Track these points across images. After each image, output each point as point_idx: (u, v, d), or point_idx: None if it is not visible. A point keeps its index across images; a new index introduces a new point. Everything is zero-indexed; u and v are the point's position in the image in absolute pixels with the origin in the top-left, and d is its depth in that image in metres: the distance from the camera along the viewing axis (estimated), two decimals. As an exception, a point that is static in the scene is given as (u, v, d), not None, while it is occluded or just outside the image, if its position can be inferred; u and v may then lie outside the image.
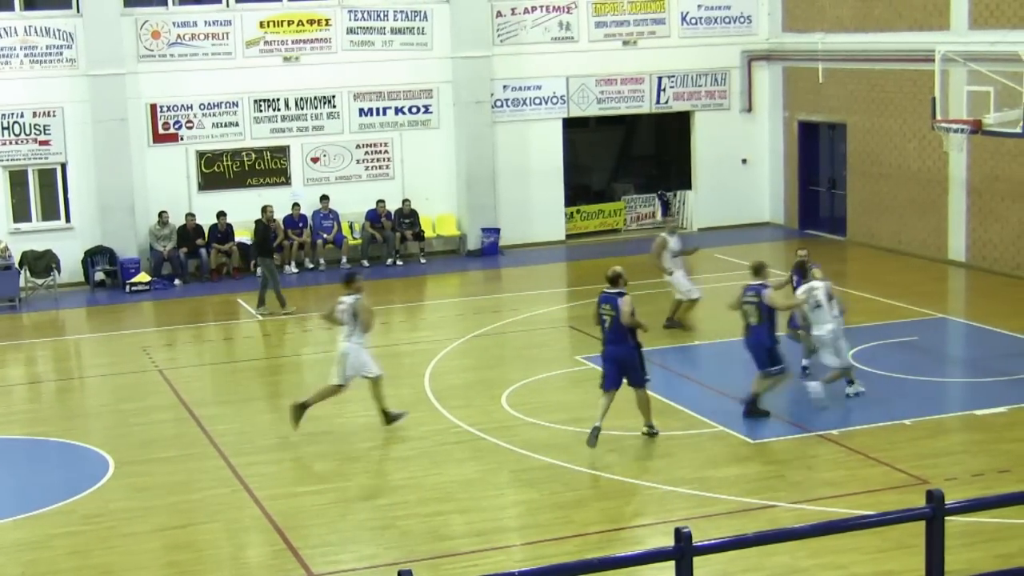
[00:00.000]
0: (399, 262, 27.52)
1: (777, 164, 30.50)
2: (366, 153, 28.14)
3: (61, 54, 26.15)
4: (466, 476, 14.70)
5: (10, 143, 25.96)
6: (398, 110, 28.19)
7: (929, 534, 8.59)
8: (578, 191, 31.23)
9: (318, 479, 14.81)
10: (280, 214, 25.82)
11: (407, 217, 27.93)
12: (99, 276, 26.19)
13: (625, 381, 15.37)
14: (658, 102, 30.00)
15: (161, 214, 26.62)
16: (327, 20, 27.64)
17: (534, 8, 28.92)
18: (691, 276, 21.12)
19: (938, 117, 22.53)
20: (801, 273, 17.22)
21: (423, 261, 27.89)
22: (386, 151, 28.23)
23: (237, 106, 27.24)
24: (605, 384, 15.35)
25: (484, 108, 28.31)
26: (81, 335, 23.42)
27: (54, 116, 26.12)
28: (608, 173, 33.34)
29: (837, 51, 28.10)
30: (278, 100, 27.48)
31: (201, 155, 27.16)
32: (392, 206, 27.88)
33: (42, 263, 25.87)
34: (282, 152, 27.68)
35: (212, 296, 25.41)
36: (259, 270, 24.52)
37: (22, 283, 25.47)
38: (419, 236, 28.02)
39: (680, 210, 30.65)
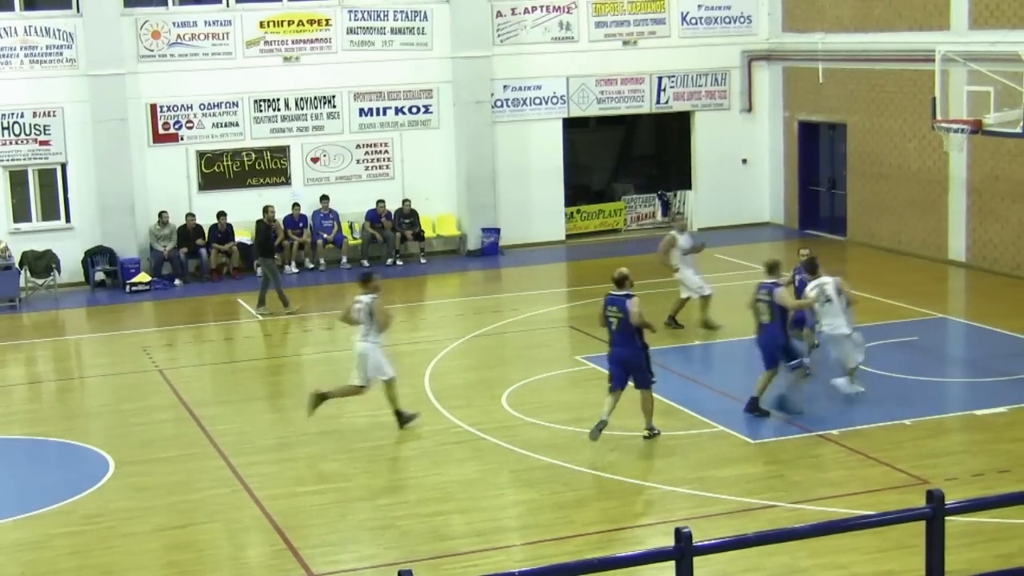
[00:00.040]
0: (399, 262, 27.52)
1: (777, 164, 30.50)
2: (366, 153, 28.14)
3: (61, 54, 26.15)
4: (466, 476, 14.70)
5: (10, 143, 25.96)
6: (398, 110, 28.19)
7: (929, 534, 8.59)
8: (578, 191, 31.23)
9: (318, 479, 14.81)
10: (280, 214, 25.80)
11: (407, 217, 27.93)
12: (99, 276, 26.19)
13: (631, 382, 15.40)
14: (658, 102, 30.00)
15: (161, 214, 26.63)
16: (327, 20, 27.64)
17: (534, 8, 28.92)
18: (701, 273, 21.07)
19: (938, 117, 22.53)
20: (812, 269, 17.20)
21: (423, 261, 27.89)
22: (386, 151, 28.23)
23: (237, 106, 27.24)
24: (613, 386, 15.38)
25: (484, 108, 28.31)
26: (81, 335, 23.42)
27: (54, 116, 26.12)
28: (608, 173, 33.34)
29: (837, 51, 28.11)
30: (278, 100, 27.49)
31: (201, 155, 27.16)
32: (392, 206, 27.88)
33: (42, 263, 25.87)
34: (282, 152, 27.69)
35: (212, 296, 25.41)
36: (260, 270, 24.54)
37: (22, 283, 25.47)
38: (419, 236, 28.02)
39: (680, 210, 30.63)
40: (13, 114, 25.90)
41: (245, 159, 27.42)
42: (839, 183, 29.05)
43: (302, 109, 27.64)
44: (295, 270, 27.09)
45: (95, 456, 15.86)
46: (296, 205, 27.23)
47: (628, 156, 33.91)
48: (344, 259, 27.53)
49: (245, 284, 25.81)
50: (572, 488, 14.19)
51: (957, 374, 18.60)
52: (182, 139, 26.99)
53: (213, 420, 17.13)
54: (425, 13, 28.12)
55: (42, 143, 26.15)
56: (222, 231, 26.74)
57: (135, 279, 25.84)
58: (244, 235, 26.93)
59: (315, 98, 27.70)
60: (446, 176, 28.63)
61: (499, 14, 28.66)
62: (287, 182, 27.68)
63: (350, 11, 27.72)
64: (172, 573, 12.64)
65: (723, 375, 19.29)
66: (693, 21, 29.95)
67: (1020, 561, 11.70)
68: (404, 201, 27.98)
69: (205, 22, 26.94)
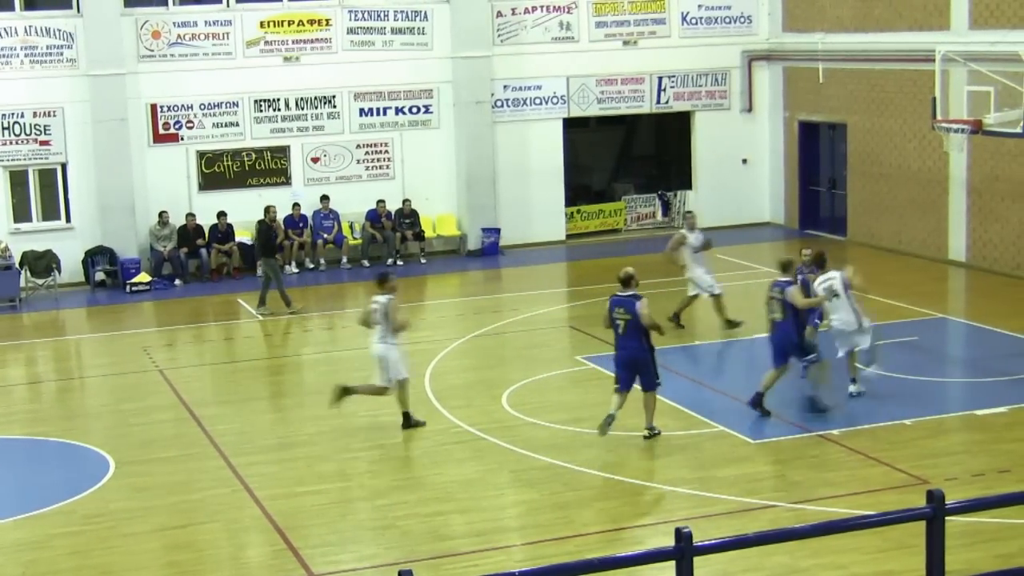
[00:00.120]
0: (399, 262, 27.51)
1: (777, 164, 30.50)
2: (366, 153, 28.14)
3: (61, 54, 26.15)
4: (466, 476, 14.70)
5: (10, 143, 25.96)
6: (398, 110, 28.19)
7: (929, 534, 8.59)
8: (578, 191, 31.22)
9: (318, 479, 14.81)
10: (280, 214, 25.79)
11: (407, 217, 27.93)
12: (99, 276, 26.19)
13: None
14: (658, 102, 30.00)
15: (161, 214, 26.63)
16: (327, 20, 27.64)
17: (534, 8, 28.92)
18: (712, 272, 21.07)
19: (938, 117, 22.53)
20: (820, 264, 17.20)
21: (423, 261, 27.88)
22: (386, 151, 28.23)
23: (237, 106, 27.24)
24: (619, 387, 15.39)
25: (484, 108, 28.31)
26: (81, 335, 23.42)
27: (54, 116, 26.12)
28: (608, 173, 33.33)
29: (837, 51, 28.10)
30: (278, 100, 27.49)
31: (201, 155, 27.16)
32: (392, 206, 27.88)
33: (42, 263, 25.87)
34: (282, 152, 27.68)
35: (212, 296, 25.41)
36: (260, 270, 24.55)
37: (22, 283, 25.47)
38: (419, 236, 28.02)
39: (680, 210, 30.63)
40: (13, 114, 25.90)
41: (245, 159, 27.42)
42: (839, 183, 29.05)
43: (302, 109, 27.64)
44: (295, 270, 27.08)
45: (95, 456, 15.86)
46: (296, 205, 27.22)
47: (628, 156, 33.90)
48: (344, 259, 27.53)
49: (245, 284, 25.81)
50: (572, 488, 14.19)
51: (957, 374, 18.60)
52: (182, 139, 26.99)
53: (213, 420, 17.13)
54: (425, 13, 28.12)
55: (42, 143, 26.16)
56: (222, 231, 26.73)
57: (135, 279, 25.84)
58: (244, 235, 26.94)
59: (315, 98, 27.70)
60: (446, 176, 28.63)
61: (499, 14, 28.66)
62: (287, 182, 27.69)
63: (350, 11, 27.72)
64: (172, 573, 12.64)
65: (724, 375, 19.30)
66: (693, 21, 29.95)
67: (1020, 561, 11.70)
68: (404, 201, 27.99)
69: (205, 22, 26.95)
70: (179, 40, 26.77)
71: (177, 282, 26.41)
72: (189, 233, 26.61)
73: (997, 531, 12.27)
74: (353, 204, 27.76)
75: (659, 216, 30.89)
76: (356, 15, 27.76)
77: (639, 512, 13.78)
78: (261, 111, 27.37)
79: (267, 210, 24.47)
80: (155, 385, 19.10)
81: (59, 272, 25.84)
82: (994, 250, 24.53)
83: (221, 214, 26.69)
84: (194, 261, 26.71)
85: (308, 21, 27.54)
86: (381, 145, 28.16)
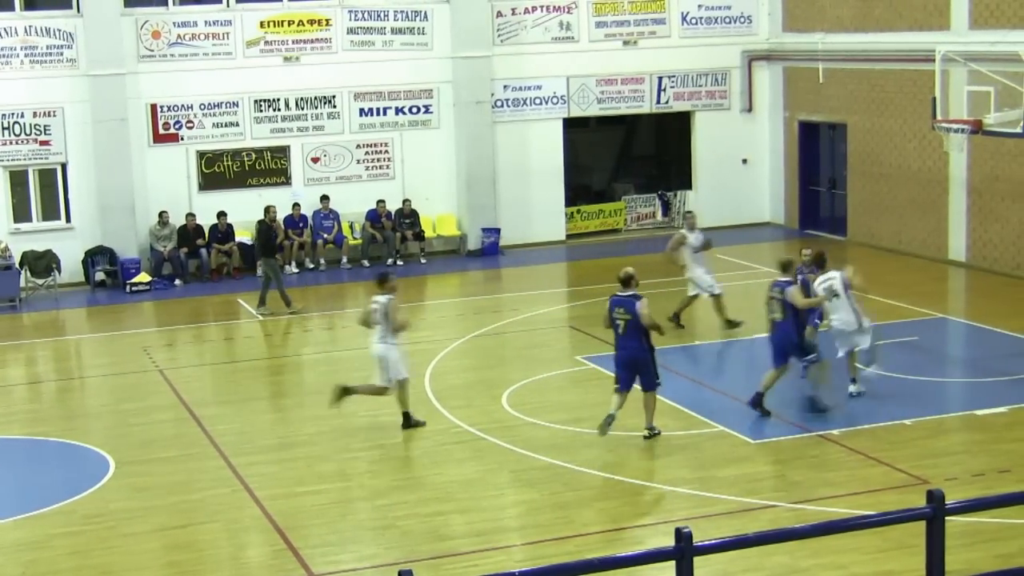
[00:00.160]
0: (399, 262, 27.51)
1: (777, 164, 30.50)
2: (366, 153, 28.14)
3: (61, 54, 26.15)
4: (466, 476, 14.70)
5: (10, 143, 25.97)
6: (398, 110, 28.19)
7: (929, 534, 8.59)
8: (578, 191, 31.22)
9: (318, 479, 14.81)
10: (280, 214, 25.79)
11: (407, 217, 27.93)
12: (99, 276, 26.19)
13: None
14: (658, 102, 30.00)
15: (161, 214, 26.63)
16: (327, 20, 27.64)
17: (534, 8, 28.92)
18: (712, 272, 21.06)
19: (938, 117, 22.53)
20: (820, 264, 17.21)
21: (423, 261, 27.88)
22: (386, 151, 28.23)
23: (237, 106, 27.24)
24: (619, 388, 15.40)
25: (484, 108, 28.31)
26: (81, 335, 23.42)
27: (54, 116, 26.13)
28: (608, 173, 33.33)
29: (837, 51, 28.10)
30: (278, 100, 27.49)
31: (201, 155, 27.16)
32: (392, 206, 27.88)
33: (42, 263, 25.87)
34: (282, 152, 27.68)
35: (212, 296, 25.41)
36: (260, 270, 24.55)
37: (22, 283, 25.47)
38: (419, 236, 28.02)
39: (680, 210, 30.64)
40: (13, 114, 25.90)
41: (245, 159, 27.42)
42: (839, 183, 29.05)
43: (302, 109, 27.64)
44: (295, 270, 27.08)
45: (95, 456, 15.86)
46: (296, 205, 27.22)
47: (628, 156, 33.90)
48: (344, 259, 27.53)
49: (245, 284, 25.81)
50: (572, 488, 14.18)
51: (957, 374, 18.60)
52: (182, 139, 26.99)
53: (213, 420, 17.13)
54: (425, 13, 28.12)
55: (42, 143, 26.16)
56: (222, 231, 26.73)
57: (135, 279, 25.84)
58: (244, 235, 26.94)
59: (315, 98, 27.70)
60: (446, 176, 28.64)
61: (499, 14, 28.66)
62: (287, 182, 27.69)
63: (350, 11, 27.72)
64: (172, 573, 12.64)
65: (723, 375, 19.30)
66: (693, 21, 29.95)
67: (1020, 561, 11.70)
68: (404, 201, 27.98)
69: (205, 22, 26.95)
70: (179, 40, 26.77)
71: (177, 282, 26.41)
72: (189, 233, 26.61)
73: (997, 531, 12.27)
74: (353, 204, 27.76)
75: (659, 216, 30.89)
76: (356, 15, 27.77)
77: (639, 512, 13.78)
78: (261, 111, 27.37)
79: (267, 210, 24.46)
80: (155, 385, 19.10)
81: (59, 272, 25.84)
82: (994, 250, 24.53)
83: (221, 214, 26.69)
84: (194, 261, 26.71)
85: (308, 21, 27.54)
86: (381, 145, 28.16)
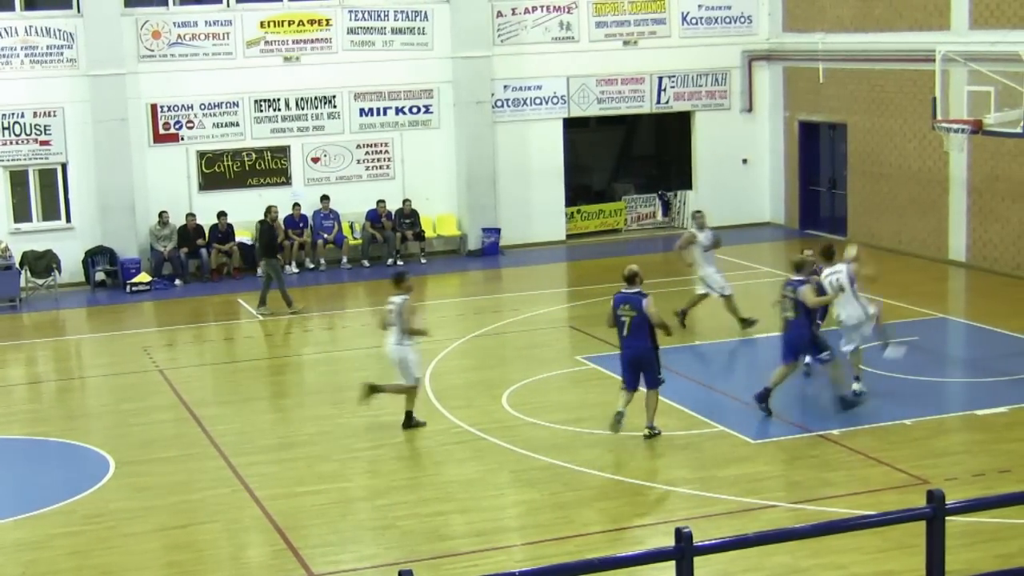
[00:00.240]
0: (399, 262, 27.49)
1: (777, 164, 30.50)
2: (366, 153, 28.14)
3: (62, 54, 26.15)
4: (466, 476, 14.70)
5: (10, 143, 25.97)
6: (398, 110, 28.19)
7: (930, 534, 8.59)
8: (578, 191, 31.22)
9: (318, 479, 14.80)
10: (281, 214, 25.79)
11: (407, 217, 27.93)
12: (100, 276, 26.19)
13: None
14: (658, 102, 30.00)
15: (161, 214, 26.63)
16: (327, 20, 27.64)
17: (534, 8, 28.92)
18: (722, 272, 21.04)
19: (938, 117, 22.53)
20: (828, 256, 17.20)
21: (423, 261, 27.87)
22: (386, 151, 28.23)
23: (237, 106, 27.24)
24: (625, 387, 15.40)
25: (484, 108, 28.31)
26: (82, 335, 23.42)
27: (55, 116, 26.13)
28: (608, 173, 33.34)
29: (837, 51, 28.10)
30: (278, 100, 27.49)
31: (201, 155, 27.16)
32: (392, 206, 27.88)
33: (43, 263, 25.87)
34: (282, 152, 27.69)
35: (213, 296, 25.41)
36: (260, 270, 24.54)
37: (23, 283, 25.48)
38: (419, 236, 28.02)
39: (681, 210, 30.65)
40: (13, 114, 25.90)
41: (245, 159, 27.42)
42: (839, 183, 29.06)
43: (302, 109, 27.64)
44: (295, 270, 27.08)
45: (95, 456, 15.86)
46: (296, 205, 27.23)
47: (628, 156, 33.91)
48: (344, 259, 27.54)
49: (245, 284, 25.81)
50: (572, 488, 14.18)
51: (957, 374, 18.59)
52: (182, 139, 26.99)
53: (213, 420, 17.12)
54: (425, 13, 28.12)
55: (42, 143, 26.16)
56: (222, 231, 26.74)
57: (135, 279, 25.84)
58: (244, 235, 26.95)
59: (315, 98, 27.70)
60: (446, 176, 28.64)
61: (499, 14, 28.66)
62: (287, 182, 27.69)
63: (350, 11, 27.73)
64: (172, 573, 12.64)
65: (724, 375, 19.29)
66: (693, 21, 29.95)
67: (1020, 561, 11.69)
68: (404, 201, 27.99)
69: (205, 22, 26.95)
70: (179, 40, 26.77)
71: (177, 282, 26.41)
72: (189, 233, 26.61)
73: (997, 531, 12.27)
74: (353, 204, 27.77)
75: (659, 216, 30.90)
76: (356, 15, 27.77)
77: (639, 512, 13.78)
78: (261, 111, 27.37)
79: (268, 210, 24.45)
80: (155, 385, 19.10)
81: (59, 272, 25.84)
82: (994, 250, 24.53)
83: (221, 214, 26.69)
84: (194, 261, 26.71)
85: (308, 21, 27.54)
86: (381, 145, 28.16)
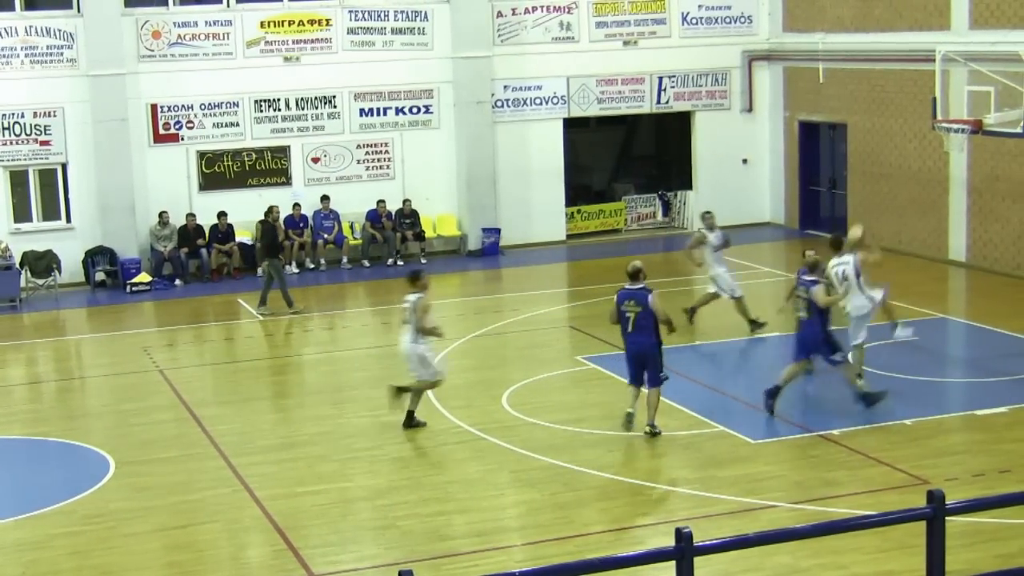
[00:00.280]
0: (400, 262, 27.50)
1: (777, 164, 30.50)
2: (367, 153, 28.14)
3: (62, 54, 26.15)
4: (466, 476, 14.70)
5: (11, 143, 25.97)
6: (398, 110, 28.19)
7: (930, 534, 8.58)
8: (579, 191, 31.22)
9: (318, 479, 14.80)
10: (281, 214, 25.79)
11: (408, 217, 27.93)
12: (100, 276, 26.19)
13: None
14: (659, 102, 30.00)
15: (162, 214, 26.63)
16: (327, 20, 27.64)
17: (534, 8, 28.92)
18: (733, 272, 21.01)
19: (938, 117, 22.53)
20: (836, 247, 17.20)
21: (424, 261, 27.83)
22: (386, 151, 28.23)
23: (238, 106, 27.24)
24: (632, 383, 15.43)
25: (484, 108, 28.31)
26: (82, 335, 23.42)
27: (55, 116, 26.13)
28: (609, 173, 33.34)
29: (837, 51, 28.10)
30: (279, 100, 27.49)
31: (202, 155, 27.16)
32: (393, 206, 27.88)
33: (43, 263, 25.87)
34: (283, 152, 27.69)
35: (213, 296, 25.41)
36: (260, 270, 24.53)
37: (23, 283, 25.48)
38: (420, 236, 28.02)
39: (681, 210, 30.65)
40: (14, 114, 25.91)
41: (246, 159, 27.42)
42: (839, 183, 29.06)
43: (302, 109, 27.64)
44: (296, 270, 27.07)
45: (95, 456, 15.86)
46: (297, 205, 27.23)
47: (628, 156, 33.91)
48: (345, 259, 27.54)
49: (246, 284, 25.81)
50: (572, 488, 14.18)
51: (957, 374, 18.59)
52: (182, 139, 26.99)
53: (213, 420, 17.12)
54: (425, 13, 28.12)
55: (42, 143, 26.16)
56: (223, 231, 26.74)
57: (135, 279, 25.84)
58: (245, 235, 26.95)
59: (315, 98, 27.70)
60: (446, 176, 28.64)
61: (499, 14, 28.66)
62: (288, 182, 27.69)
63: (350, 11, 27.73)
64: (172, 573, 12.64)
65: (724, 375, 19.28)
66: (693, 21, 29.95)
67: (1020, 561, 11.69)
68: (404, 201, 27.99)
69: (205, 22, 26.95)
70: (179, 40, 26.77)
71: (177, 282, 26.41)
72: (189, 233, 26.62)
73: (997, 531, 12.27)
74: (353, 204, 27.77)
75: (659, 216, 30.90)
76: (356, 15, 27.77)
77: (639, 512, 13.77)
78: (261, 111, 27.37)
79: (270, 210, 24.43)
80: (155, 385, 19.10)
81: (59, 272, 25.84)
82: (994, 250, 24.53)
83: (221, 214, 26.69)
84: (194, 261, 26.71)
85: (308, 21, 27.54)
86: (381, 145, 28.16)
